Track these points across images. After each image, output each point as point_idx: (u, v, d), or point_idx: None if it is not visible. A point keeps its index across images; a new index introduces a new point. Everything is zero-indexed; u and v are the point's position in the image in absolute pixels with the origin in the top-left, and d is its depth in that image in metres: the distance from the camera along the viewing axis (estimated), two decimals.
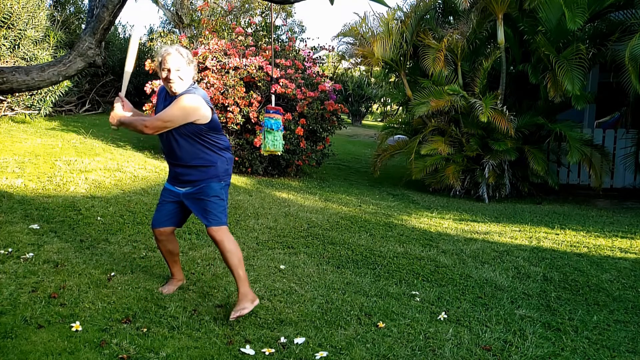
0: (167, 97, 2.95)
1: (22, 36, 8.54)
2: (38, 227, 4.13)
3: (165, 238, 3.12)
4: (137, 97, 13.08)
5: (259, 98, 7.75)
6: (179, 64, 2.83)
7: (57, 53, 9.28)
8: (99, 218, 4.56)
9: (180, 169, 2.99)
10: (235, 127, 7.68)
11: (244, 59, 7.91)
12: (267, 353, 2.56)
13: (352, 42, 9.42)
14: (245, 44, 8.33)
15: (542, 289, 3.77)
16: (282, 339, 2.71)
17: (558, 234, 5.48)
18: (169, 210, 3.10)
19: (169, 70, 2.82)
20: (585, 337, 2.98)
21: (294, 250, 4.34)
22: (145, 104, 8.04)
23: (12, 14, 8.25)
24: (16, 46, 8.56)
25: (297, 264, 3.96)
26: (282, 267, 3.84)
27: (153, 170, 6.92)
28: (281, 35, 10.14)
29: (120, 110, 2.99)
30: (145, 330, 2.67)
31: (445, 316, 3.16)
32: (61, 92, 9.49)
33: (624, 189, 8.64)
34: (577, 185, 8.89)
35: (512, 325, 3.09)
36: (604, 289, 3.79)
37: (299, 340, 2.70)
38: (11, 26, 8.36)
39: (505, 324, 3.11)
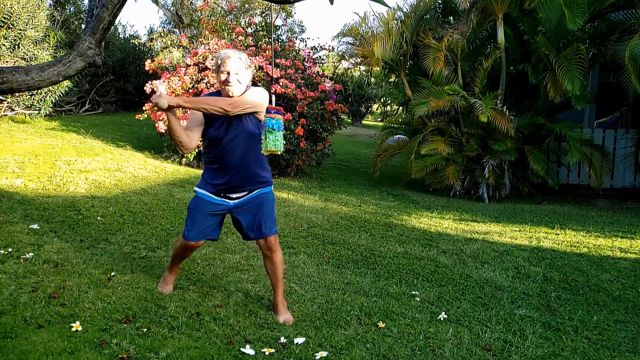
0: None
1: (22, 36, 8.55)
2: (38, 227, 4.13)
3: (194, 250, 3.12)
4: (137, 97, 13.11)
5: None
6: (238, 68, 2.82)
7: (57, 53, 9.29)
8: (99, 218, 4.56)
9: (238, 178, 2.88)
10: None
11: None
12: (267, 353, 2.56)
13: (352, 42, 9.42)
14: (245, 44, 8.33)
15: (542, 289, 3.77)
16: (282, 339, 2.71)
17: (558, 234, 5.48)
18: (212, 223, 2.98)
19: (228, 73, 2.81)
20: (585, 337, 2.98)
21: (294, 250, 4.34)
22: (145, 104, 8.04)
23: (12, 14, 8.25)
24: (16, 46, 8.56)
25: (297, 264, 3.96)
26: None
27: (153, 170, 6.92)
28: (281, 35, 10.14)
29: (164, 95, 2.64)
30: (145, 330, 2.67)
31: (445, 316, 3.16)
32: (61, 92, 9.49)
33: (624, 189, 8.64)
34: (577, 185, 8.89)
35: (512, 325, 3.09)
36: (604, 289, 3.79)
37: (299, 340, 2.70)
38: (11, 26, 8.36)
39: (505, 324, 3.11)
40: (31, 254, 3.53)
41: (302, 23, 28.95)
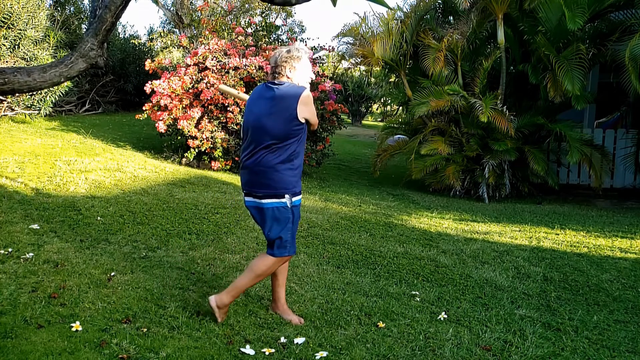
0: None
1: (22, 36, 8.55)
2: (38, 227, 4.13)
3: None
4: (137, 97, 13.11)
5: None
6: None
7: (57, 53, 9.29)
8: (99, 218, 4.56)
9: None
10: (235, 127, 7.69)
11: (244, 59, 7.91)
12: (267, 353, 2.56)
13: (352, 42, 9.42)
14: (245, 44, 8.33)
15: (542, 289, 3.77)
16: (282, 339, 2.71)
17: (558, 234, 5.48)
18: None
19: None
20: (585, 337, 2.98)
21: None
22: (145, 104, 8.04)
23: (12, 14, 8.25)
24: (16, 46, 8.56)
25: (297, 264, 3.96)
26: None
27: (153, 170, 6.92)
28: (281, 35, 10.14)
29: None
30: (145, 330, 2.67)
31: (445, 316, 3.16)
32: (61, 92, 9.49)
33: (624, 189, 8.64)
34: (577, 185, 8.88)
35: (512, 325, 3.09)
36: (604, 289, 3.79)
37: (299, 340, 2.70)
38: (11, 26, 8.36)
39: (505, 324, 3.11)
40: (31, 254, 3.53)
41: (302, 23, 28.94)
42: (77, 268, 3.39)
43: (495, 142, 7.77)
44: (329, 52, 10.64)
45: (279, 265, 2.87)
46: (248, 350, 2.56)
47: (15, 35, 8.45)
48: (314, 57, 9.66)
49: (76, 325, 2.60)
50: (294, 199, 2.78)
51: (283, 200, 2.73)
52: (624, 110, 9.32)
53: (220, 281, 3.46)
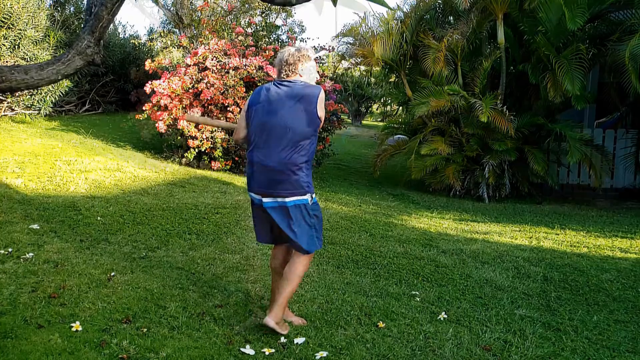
0: None
1: (22, 36, 8.55)
2: (38, 227, 4.13)
3: None
4: (137, 97, 13.10)
5: None
6: None
7: (57, 53, 9.29)
8: (99, 218, 4.56)
9: None
10: None
11: (244, 59, 7.91)
12: (267, 353, 2.55)
13: (352, 42, 9.42)
14: (245, 44, 8.33)
15: (542, 289, 3.77)
16: (282, 339, 2.70)
17: (558, 234, 5.48)
18: None
19: None
20: (585, 337, 2.98)
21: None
22: (145, 104, 8.04)
23: (12, 14, 8.26)
24: (16, 46, 8.56)
25: None
26: None
27: (153, 170, 6.92)
28: (281, 35, 10.15)
29: None
30: (145, 330, 2.67)
31: (445, 316, 3.15)
32: (61, 92, 9.49)
33: (624, 189, 8.63)
34: (577, 185, 8.88)
35: (512, 325, 3.09)
36: (604, 289, 3.79)
37: (299, 340, 2.69)
38: (11, 26, 8.36)
39: (505, 324, 3.11)
40: (31, 254, 3.53)
41: (302, 23, 28.96)
42: (77, 268, 3.39)
43: (495, 142, 7.76)
44: (329, 52, 10.64)
45: (311, 259, 2.92)
46: (248, 350, 2.56)
47: (15, 35, 8.45)
48: (314, 57, 9.66)
49: (76, 325, 2.60)
50: (315, 197, 2.84)
51: (305, 197, 2.73)
52: (624, 110, 9.32)
53: (220, 281, 3.45)
